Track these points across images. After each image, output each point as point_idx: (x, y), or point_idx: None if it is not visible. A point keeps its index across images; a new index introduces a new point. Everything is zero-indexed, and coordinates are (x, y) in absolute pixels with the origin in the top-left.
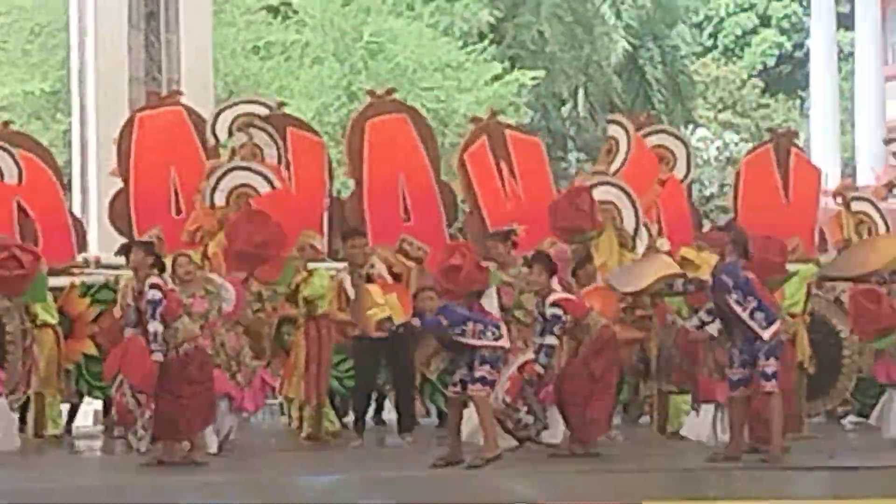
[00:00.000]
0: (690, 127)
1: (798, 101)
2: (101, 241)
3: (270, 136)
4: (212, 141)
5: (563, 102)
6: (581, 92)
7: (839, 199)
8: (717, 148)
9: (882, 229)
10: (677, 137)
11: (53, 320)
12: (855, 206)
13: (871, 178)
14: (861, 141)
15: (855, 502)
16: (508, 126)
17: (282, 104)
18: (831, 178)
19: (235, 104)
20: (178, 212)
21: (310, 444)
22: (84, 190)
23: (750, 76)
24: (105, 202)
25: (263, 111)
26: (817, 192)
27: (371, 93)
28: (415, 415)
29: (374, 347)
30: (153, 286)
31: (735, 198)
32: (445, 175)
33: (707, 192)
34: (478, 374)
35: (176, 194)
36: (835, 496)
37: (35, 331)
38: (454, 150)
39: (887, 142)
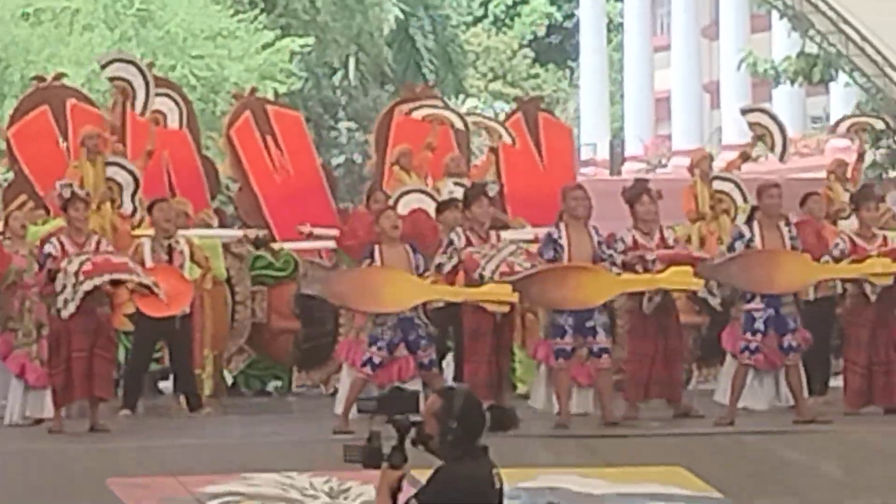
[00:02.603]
0: (461, 97)
1: (568, 72)
2: None
3: (174, 100)
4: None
5: (335, 71)
6: (352, 61)
7: (696, 171)
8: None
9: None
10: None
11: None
12: (717, 185)
13: (640, 148)
14: (630, 111)
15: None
16: (269, 101)
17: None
18: (600, 148)
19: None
20: None
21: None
22: None
23: (520, 46)
24: None
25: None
26: (571, 150)
27: None
28: (198, 391)
29: (154, 325)
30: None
31: (497, 168)
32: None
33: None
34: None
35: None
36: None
37: None
38: (224, 119)
39: (744, 112)
